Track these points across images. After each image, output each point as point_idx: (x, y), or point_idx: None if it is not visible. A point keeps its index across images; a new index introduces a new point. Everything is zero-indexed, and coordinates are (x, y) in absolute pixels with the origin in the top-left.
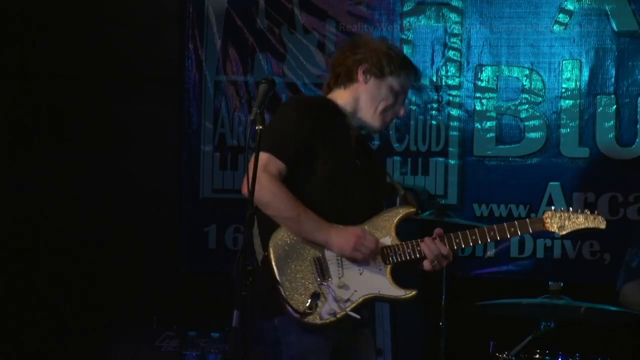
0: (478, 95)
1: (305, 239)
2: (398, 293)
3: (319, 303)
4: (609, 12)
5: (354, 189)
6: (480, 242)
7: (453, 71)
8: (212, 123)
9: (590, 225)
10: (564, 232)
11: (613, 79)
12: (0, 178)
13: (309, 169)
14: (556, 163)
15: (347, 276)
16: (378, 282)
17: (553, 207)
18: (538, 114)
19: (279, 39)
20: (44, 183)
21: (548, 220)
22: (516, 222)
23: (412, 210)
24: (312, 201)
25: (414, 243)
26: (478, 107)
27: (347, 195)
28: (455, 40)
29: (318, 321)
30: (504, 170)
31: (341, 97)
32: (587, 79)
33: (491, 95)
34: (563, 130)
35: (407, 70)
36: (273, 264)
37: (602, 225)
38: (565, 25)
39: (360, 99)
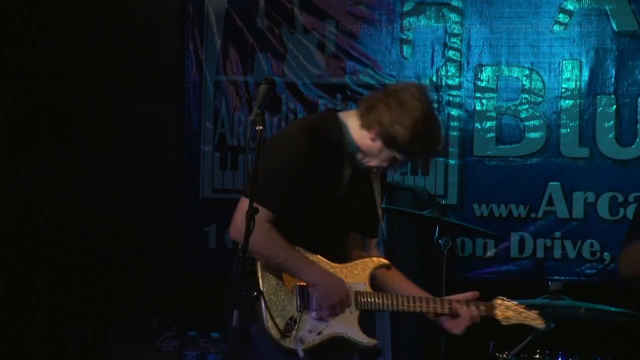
0: (478, 95)
1: None
2: (362, 340)
3: (295, 328)
4: (609, 12)
5: (330, 224)
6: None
7: (453, 71)
8: (212, 123)
9: (529, 323)
10: (507, 324)
11: (613, 79)
12: (0, 178)
13: (292, 204)
14: (556, 163)
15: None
16: (347, 324)
17: (504, 298)
18: (538, 114)
19: (279, 39)
20: (44, 183)
21: (498, 308)
22: (472, 304)
23: (385, 264)
24: (294, 235)
25: (384, 295)
26: (478, 107)
27: (322, 231)
28: (455, 40)
29: (290, 345)
30: (504, 170)
31: (352, 122)
32: (587, 79)
33: (491, 95)
34: (563, 130)
35: (423, 154)
36: (260, 280)
37: (540, 326)
38: (565, 25)
39: (363, 143)
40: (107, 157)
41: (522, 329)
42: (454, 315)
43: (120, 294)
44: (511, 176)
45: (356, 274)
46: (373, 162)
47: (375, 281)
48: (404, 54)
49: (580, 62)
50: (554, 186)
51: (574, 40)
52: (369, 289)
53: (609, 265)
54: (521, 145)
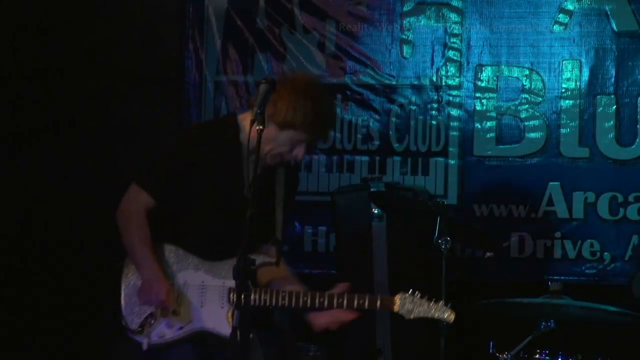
0: (478, 95)
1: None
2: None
3: (152, 324)
4: (609, 12)
5: (231, 220)
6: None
7: (453, 71)
8: None
9: (436, 315)
10: (411, 317)
11: (613, 79)
12: (1, 178)
13: (180, 200)
14: (556, 163)
15: (186, 306)
16: (215, 319)
17: (409, 292)
18: (538, 114)
19: (279, 39)
20: (44, 183)
21: (398, 302)
22: (367, 297)
23: (269, 262)
24: (179, 233)
25: (261, 291)
26: (478, 107)
27: (213, 230)
28: (455, 40)
29: (146, 341)
30: (504, 170)
31: (246, 120)
32: (587, 79)
33: (491, 95)
34: (563, 130)
35: (315, 134)
36: (122, 278)
37: (450, 319)
38: (565, 25)
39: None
40: (107, 157)
41: (522, 329)
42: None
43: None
44: (511, 176)
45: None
46: (275, 150)
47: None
48: (404, 54)
49: (580, 62)
50: (554, 186)
51: (574, 40)
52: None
53: (609, 265)
54: (521, 145)
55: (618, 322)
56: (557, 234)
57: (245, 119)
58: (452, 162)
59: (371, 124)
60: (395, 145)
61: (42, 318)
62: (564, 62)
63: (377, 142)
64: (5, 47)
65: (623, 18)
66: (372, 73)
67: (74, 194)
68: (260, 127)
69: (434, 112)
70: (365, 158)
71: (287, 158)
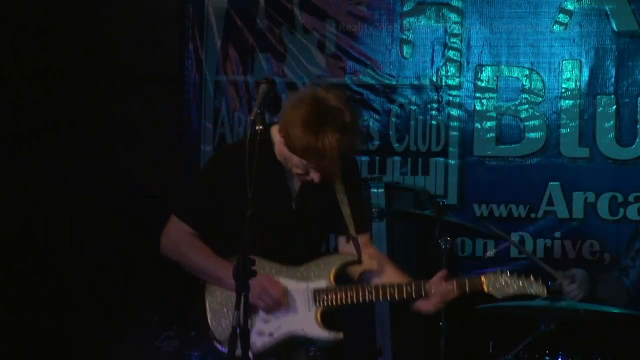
0: (478, 95)
1: None
2: (322, 334)
3: None
4: (609, 12)
5: (287, 234)
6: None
7: (453, 71)
8: (212, 123)
9: (529, 291)
10: (502, 296)
11: (613, 79)
12: (1, 178)
13: (230, 219)
14: (556, 163)
15: (273, 312)
16: (304, 322)
17: (496, 269)
18: (538, 114)
19: (279, 39)
20: (43, 183)
21: (486, 282)
22: (455, 282)
23: (351, 260)
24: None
25: (346, 289)
26: (478, 107)
27: (271, 243)
28: (455, 40)
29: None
30: (504, 170)
31: (275, 131)
32: (587, 79)
33: (491, 95)
34: (563, 130)
35: (311, 159)
36: (205, 291)
37: (543, 293)
38: (565, 25)
39: (281, 150)
40: (107, 157)
41: (522, 329)
42: (427, 295)
43: (121, 293)
44: (511, 176)
45: (316, 272)
46: (293, 170)
47: (360, 279)
48: (404, 54)
49: (580, 62)
50: (554, 186)
51: (574, 40)
52: (331, 286)
53: (609, 265)
54: (521, 145)
55: (618, 322)
56: (557, 234)
57: (274, 130)
58: (452, 162)
59: (371, 124)
60: (395, 145)
61: (42, 318)
62: (564, 62)
63: (377, 142)
64: (5, 47)
65: (623, 18)
66: (372, 73)
67: (74, 194)
68: (260, 127)
69: (434, 112)
70: (365, 158)
71: (307, 179)
